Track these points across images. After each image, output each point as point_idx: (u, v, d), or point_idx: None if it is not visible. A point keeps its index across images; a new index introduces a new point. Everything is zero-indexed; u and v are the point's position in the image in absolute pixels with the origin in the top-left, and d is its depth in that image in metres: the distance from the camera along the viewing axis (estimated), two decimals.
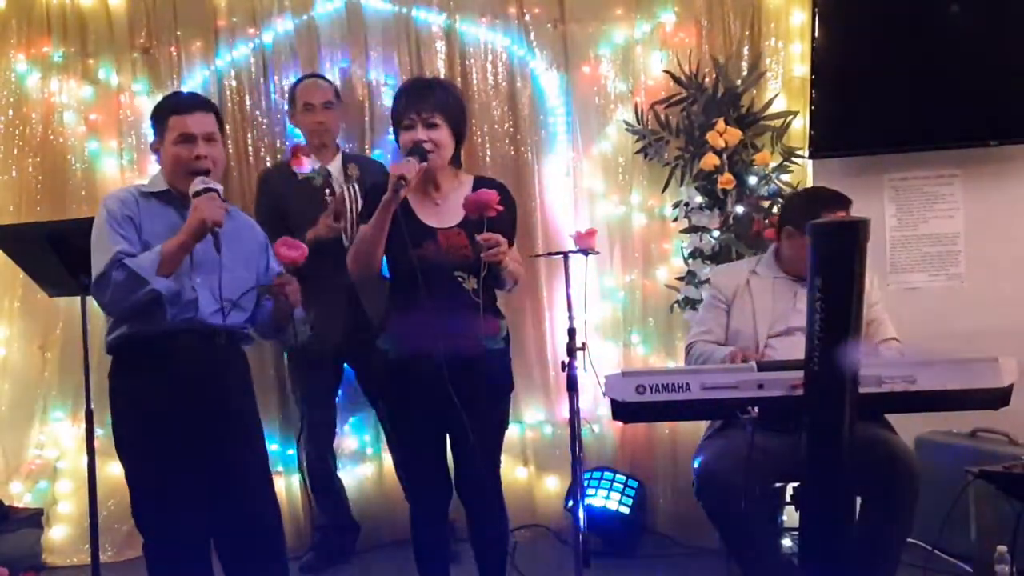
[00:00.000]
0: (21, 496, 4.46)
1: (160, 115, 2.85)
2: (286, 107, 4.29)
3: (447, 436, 3.02)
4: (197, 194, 2.68)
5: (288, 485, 4.44)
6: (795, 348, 3.03)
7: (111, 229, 2.71)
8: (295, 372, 4.16)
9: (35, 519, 4.34)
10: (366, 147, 4.48)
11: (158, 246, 2.66)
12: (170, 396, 2.71)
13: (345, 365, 4.17)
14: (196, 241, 2.67)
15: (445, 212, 2.93)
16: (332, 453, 4.21)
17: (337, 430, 4.28)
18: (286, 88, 4.51)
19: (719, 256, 4.16)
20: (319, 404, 4.06)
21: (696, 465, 3.13)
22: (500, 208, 2.80)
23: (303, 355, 3.92)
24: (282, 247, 2.81)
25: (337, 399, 4.21)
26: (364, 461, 4.48)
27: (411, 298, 2.84)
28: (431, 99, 2.90)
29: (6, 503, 4.33)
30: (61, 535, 4.43)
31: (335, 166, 4.05)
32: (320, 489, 4.15)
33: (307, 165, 4.00)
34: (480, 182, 3.05)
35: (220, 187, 2.74)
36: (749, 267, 3.45)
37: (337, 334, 3.89)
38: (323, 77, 4.26)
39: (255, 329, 3.01)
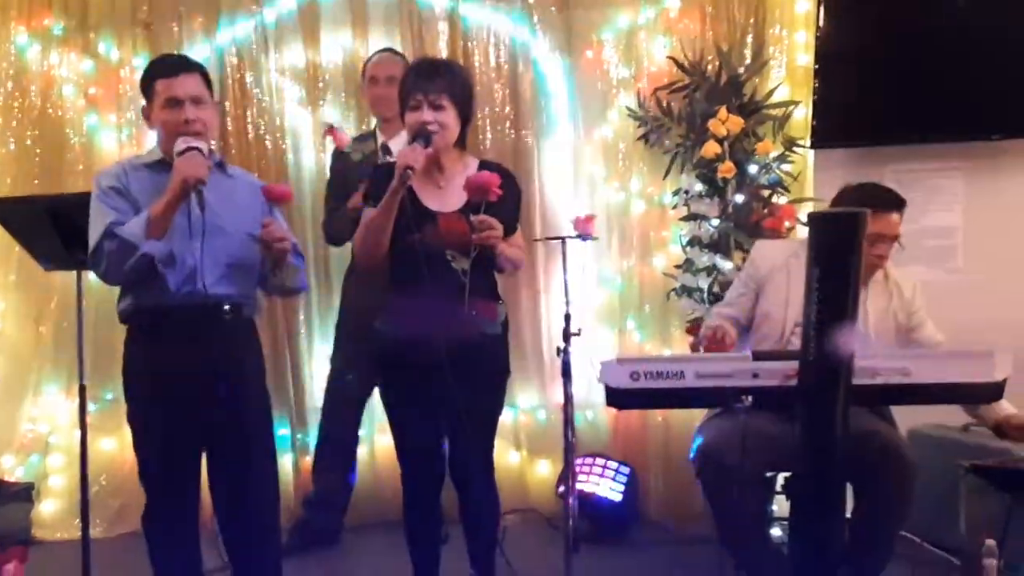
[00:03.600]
0: (12, 470, 4.46)
1: (147, 80, 2.82)
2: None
3: (442, 418, 3.02)
4: (180, 154, 2.66)
5: (280, 465, 4.44)
6: None
7: (100, 203, 2.72)
8: (337, 339, 4.20)
9: (25, 493, 4.35)
10: (363, 128, 4.45)
11: (145, 210, 2.66)
12: (174, 368, 2.71)
13: None
14: (180, 201, 2.64)
15: (447, 195, 2.91)
16: (355, 431, 4.20)
17: None
18: (287, 66, 4.50)
19: (717, 244, 4.15)
20: (348, 373, 4.06)
21: (696, 445, 3.12)
22: (500, 192, 2.79)
23: (348, 323, 4.04)
24: (266, 189, 2.84)
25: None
26: (359, 443, 4.47)
27: (408, 281, 2.83)
28: (438, 80, 2.88)
29: None
30: (51, 509, 4.43)
31: (398, 141, 3.85)
32: (328, 462, 4.15)
33: (344, 142, 4.01)
34: (485, 166, 3.03)
35: (203, 145, 2.70)
36: (792, 249, 3.29)
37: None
38: (396, 51, 4.20)
39: (267, 288, 2.98)
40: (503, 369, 3.07)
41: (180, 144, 2.68)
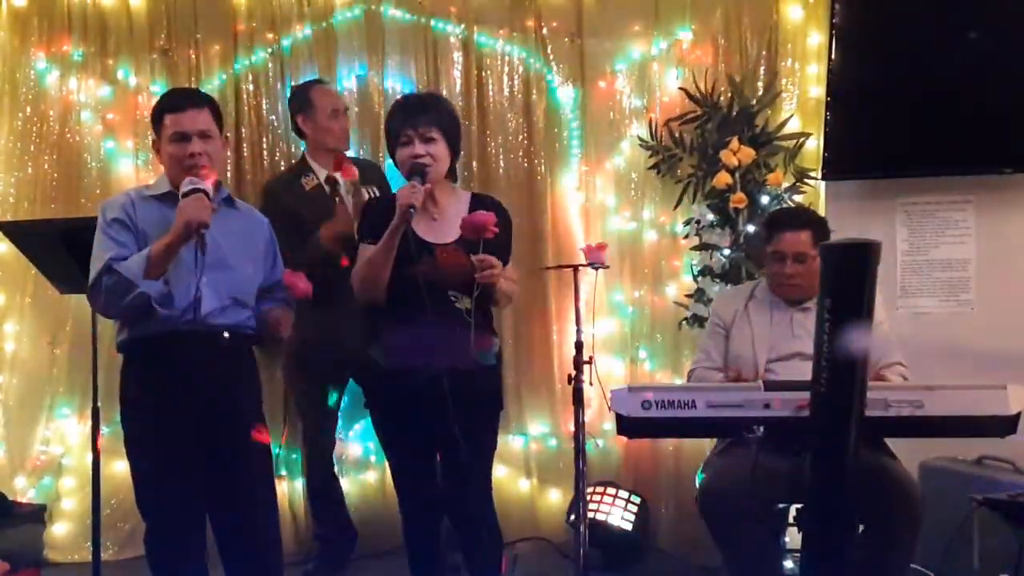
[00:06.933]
0: (25, 491, 4.48)
1: (156, 114, 2.84)
2: (289, 109, 4.22)
3: (437, 450, 3.01)
4: (185, 195, 2.67)
5: (292, 489, 4.45)
6: (795, 373, 3.04)
7: (104, 235, 2.74)
8: (294, 380, 4.15)
9: (38, 515, 4.36)
10: (380, 155, 4.49)
11: (147, 248, 2.67)
12: (173, 397, 2.72)
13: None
14: (183, 243, 2.65)
15: (442, 227, 2.93)
16: (332, 462, 4.20)
17: (341, 437, 4.29)
18: None
19: (729, 274, 4.16)
20: (319, 412, 4.06)
21: (700, 483, 3.12)
22: (496, 230, 2.81)
23: (303, 362, 3.98)
24: (292, 277, 2.90)
25: (340, 408, 4.20)
26: (368, 468, 4.49)
27: (406, 312, 2.84)
28: (427, 114, 2.92)
29: (10, 498, 4.34)
30: (63, 532, 4.44)
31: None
32: (320, 499, 4.16)
33: (354, 174, 3.86)
34: (477, 199, 3.07)
35: (208, 187, 2.69)
36: (748, 292, 3.47)
37: (342, 344, 3.71)
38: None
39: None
40: (496, 401, 3.07)
41: (186, 185, 2.68)
